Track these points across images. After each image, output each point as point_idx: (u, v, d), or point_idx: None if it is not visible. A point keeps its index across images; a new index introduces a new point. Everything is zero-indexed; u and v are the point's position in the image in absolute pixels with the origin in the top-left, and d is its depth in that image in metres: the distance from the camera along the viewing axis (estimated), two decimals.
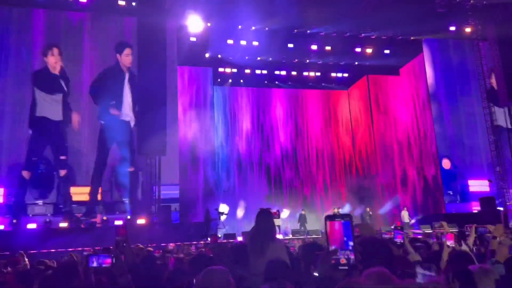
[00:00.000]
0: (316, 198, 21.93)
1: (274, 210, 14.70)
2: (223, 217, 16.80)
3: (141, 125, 15.54)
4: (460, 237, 6.47)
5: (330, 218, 1.46)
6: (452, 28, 19.28)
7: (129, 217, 15.03)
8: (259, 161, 21.63)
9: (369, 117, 22.33)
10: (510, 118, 18.90)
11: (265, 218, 3.97)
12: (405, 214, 17.70)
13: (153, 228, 14.52)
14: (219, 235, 15.67)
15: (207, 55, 19.39)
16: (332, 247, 1.44)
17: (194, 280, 2.60)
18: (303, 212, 18.94)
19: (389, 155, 21.48)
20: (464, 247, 3.95)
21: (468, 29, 19.06)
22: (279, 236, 15.87)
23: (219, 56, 19.75)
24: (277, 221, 16.82)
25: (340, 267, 1.43)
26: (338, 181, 22.74)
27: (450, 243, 3.79)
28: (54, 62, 15.86)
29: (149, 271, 3.47)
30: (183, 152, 18.56)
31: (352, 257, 1.43)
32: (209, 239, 12.76)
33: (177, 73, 17.60)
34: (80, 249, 9.84)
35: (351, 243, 1.43)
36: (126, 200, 15.79)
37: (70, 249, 10.22)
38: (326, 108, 23.58)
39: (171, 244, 10.77)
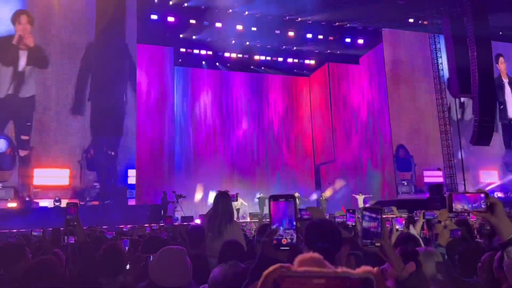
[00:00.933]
0: (275, 182, 22.19)
1: (232, 193, 14.76)
2: (180, 200, 16.67)
3: (98, 105, 15.01)
4: (409, 222, 6.78)
5: (274, 198, 1.47)
6: (411, 20, 19.85)
7: (87, 198, 14.61)
8: (219, 145, 21.55)
9: (328, 104, 22.71)
10: (461, 110, 19.86)
11: (223, 200, 3.98)
12: (360, 199, 18.27)
13: (107, 210, 14.22)
14: (177, 217, 15.61)
15: (168, 34, 18.91)
16: (274, 227, 1.45)
17: (150, 260, 2.58)
18: (261, 195, 19.13)
19: (347, 142, 22.03)
20: (411, 231, 4.14)
21: (425, 22, 19.69)
22: (236, 220, 15.98)
23: (181, 35, 19.31)
24: (237, 205, 16.95)
25: (282, 247, 1.45)
26: (296, 165, 23.09)
27: (399, 227, 3.96)
28: (21, 30, 14.97)
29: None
30: (141, 133, 18.16)
31: (294, 237, 1.44)
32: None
33: (136, 50, 17.05)
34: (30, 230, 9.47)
35: (293, 224, 1.44)
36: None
37: (22, 230, 9.85)
38: (287, 94, 23.75)
39: (127, 226, 10.59)
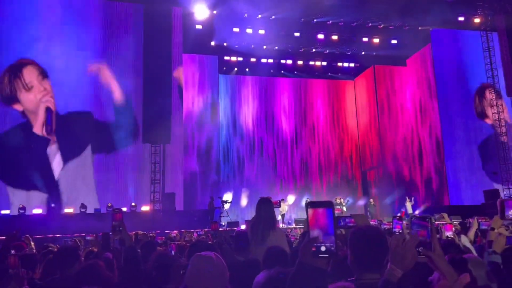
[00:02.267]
0: (321, 187, 21.96)
1: (276, 200, 14.75)
2: (226, 206, 16.90)
3: (147, 113, 15.56)
4: (462, 228, 6.47)
5: (312, 205, 1.46)
6: (461, 19, 19.03)
7: (133, 204, 15.15)
8: (264, 150, 21.64)
9: (375, 108, 22.22)
10: None
11: (265, 207, 3.99)
12: (409, 205, 17.69)
13: (156, 216, 14.66)
14: (223, 223, 15.82)
15: (212, 43, 19.30)
16: (313, 234, 1.44)
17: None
18: (307, 200, 18.93)
19: (394, 146, 21.41)
20: (463, 239, 3.96)
21: (477, 20, 18.81)
22: (282, 225, 15.96)
23: (225, 44, 19.65)
24: (282, 210, 16.92)
25: (321, 255, 1.44)
26: (343, 170, 22.73)
27: (448, 234, 3.80)
28: None
29: (149, 256, 3.51)
30: (188, 140, 18.63)
31: (333, 244, 1.43)
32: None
33: (182, 61, 17.54)
34: (84, 234, 9.95)
35: (332, 231, 1.43)
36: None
37: (75, 235, 10.36)
38: (332, 98, 23.48)
39: (174, 231, 10.86)
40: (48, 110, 15.58)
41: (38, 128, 15.43)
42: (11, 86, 15.36)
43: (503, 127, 18.23)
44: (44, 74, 15.71)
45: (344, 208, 17.98)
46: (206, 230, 10.08)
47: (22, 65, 15.54)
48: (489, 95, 18.82)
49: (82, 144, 15.74)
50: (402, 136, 21.08)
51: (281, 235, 4.04)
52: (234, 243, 3.92)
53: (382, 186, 21.31)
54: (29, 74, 15.58)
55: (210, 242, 5.05)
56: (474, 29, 19.31)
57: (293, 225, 16.37)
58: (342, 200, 18.74)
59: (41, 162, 15.15)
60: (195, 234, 10.80)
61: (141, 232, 6.98)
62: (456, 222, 8.28)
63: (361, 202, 21.43)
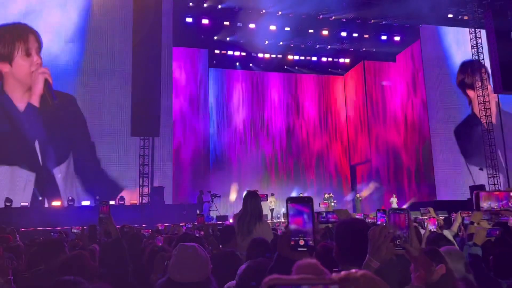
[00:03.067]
0: (311, 181, 22.06)
1: (263, 193, 14.77)
2: (216, 199, 16.92)
3: (135, 106, 15.48)
4: (445, 223, 6.58)
5: (291, 200, 1.49)
6: (450, 16, 19.20)
7: (122, 196, 15.09)
8: (255, 145, 21.66)
9: (364, 103, 22.35)
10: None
11: (252, 200, 4.02)
12: (393, 201, 17.87)
13: (145, 209, 14.63)
14: (212, 217, 15.83)
15: (202, 36, 19.21)
16: (291, 228, 1.47)
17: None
18: (300, 195, 19.04)
19: (383, 141, 21.58)
20: (445, 232, 4.03)
21: (466, 17, 18.99)
22: (270, 220, 16.04)
23: (215, 37, 19.56)
24: (271, 204, 17.00)
25: (299, 248, 1.47)
26: (331, 165, 22.87)
27: (432, 227, 3.87)
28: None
29: (135, 248, 3.53)
30: (177, 134, 18.56)
31: (312, 238, 1.46)
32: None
33: (172, 53, 17.44)
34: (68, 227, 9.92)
35: (311, 225, 1.46)
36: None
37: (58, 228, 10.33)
38: (322, 93, 23.55)
39: (162, 224, 10.85)
40: (47, 82, 15.49)
41: (36, 99, 15.40)
42: (11, 43, 15.36)
43: (489, 123, 18.46)
44: (40, 47, 15.79)
45: (332, 203, 18.13)
46: (194, 223, 10.10)
47: (28, 30, 15.63)
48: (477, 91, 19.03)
49: None
50: (391, 131, 21.24)
51: (268, 227, 4.08)
52: (220, 235, 3.95)
53: (369, 181, 21.48)
54: (33, 42, 15.65)
55: (197, 235, 5.08)
56: (462, 26, 19.49)
57: (282, 219, 16.44)
58: (331, 195, 18.88)
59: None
60: (184, 227, 10.82)
61: (128, 225, 6.97)
62: (441, 217, 8.41)
63: (349, 197, 21.61)
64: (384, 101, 21.84)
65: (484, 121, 18.53)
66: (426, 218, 4.69)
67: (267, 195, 15.81)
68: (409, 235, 1.70)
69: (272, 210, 17.60)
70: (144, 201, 15.42)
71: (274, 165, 21.74)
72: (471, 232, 3.25)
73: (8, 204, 13.66)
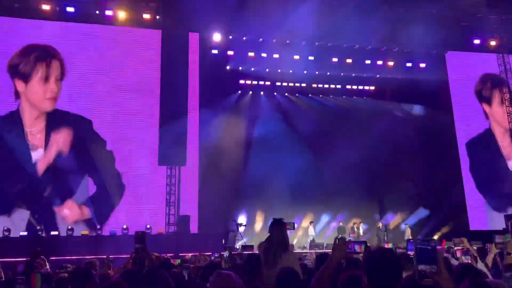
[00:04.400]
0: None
1: (291, 222, 14.54)
2: (241, 228, 16.77)
3: (163, 135, 15.79)
4: (481, 254, 6.31)
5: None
6: (477, 42, 19.03)
7: (148, 226, 15.19)
8: (279, 172, 21.29)
9: None
10: None
11: (278, 229, 3.99)
12: (407, 231, 17.27)
13: (171, 238, 14.66)
14: (237, 247, 15.65)
15: (228, 67, 19.62)
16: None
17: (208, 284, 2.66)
18: (341, 224, 18.58)
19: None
20: (479, 265, 3.87)
21: (493, 42, 18.77)
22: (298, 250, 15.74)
23: (240, 68, 19.94)
24: (311, 233, 16.79)
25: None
26: (359, 193, 22.32)
27: (465, 258, 3.73)
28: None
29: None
30: (203, 163, 18.65)
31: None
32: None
33: (198, 84, 17.84)
34: (105, 256, 10.01)
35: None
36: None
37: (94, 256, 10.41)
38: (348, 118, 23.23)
39: (188, 254, 10.84)
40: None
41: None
42: (33, 63, 15.54)
43: None
44: (61, 76, 16.04)
45: (361, 232, 17.69)
46: (221, 253, 10.04)
47: (55, 56, 15.94)
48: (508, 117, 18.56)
49: None
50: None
51: (294, 257, 4.02)
52: (245, 265, 3.90)
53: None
54: (55, 69, 15.89)
55: (224, 265, 5.05)
56: (489, 51, 19.26)
57: (307, 249, 16.07)
58: (358, 224, 18.35)
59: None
60: (212, 257, 10.76)
61: (156, 254, 7.00)
62: (475, 247, 8.08)
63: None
64: None
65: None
66: (459, 249, 4.53)
67: (294, 223, 15.53)
68: (437, 266, 1.66)
69: (313, 240, 17.41)
70: (170, 230, 15.48)
71: (303, 193, 21.26)
72: (508, 263, 3.11)
73: (39, 233, 13.88)
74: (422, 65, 20.29)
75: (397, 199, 19.89)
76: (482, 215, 18.48)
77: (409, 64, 20.16)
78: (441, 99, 19.75)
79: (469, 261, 3.88)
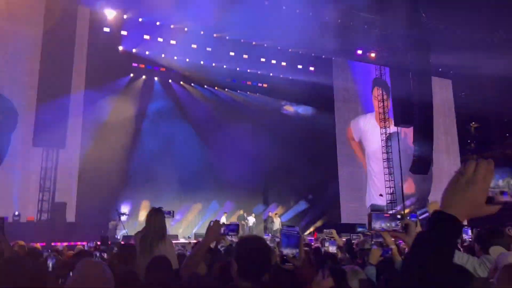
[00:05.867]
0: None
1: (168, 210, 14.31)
2: (123, 218, 16.09)
3: (39, 114, 14.35)
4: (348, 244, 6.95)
5: None
6: (360, 52, 20.87)
7: (17, 212, 13.78)
8: (170, 162, 20.91)
9: None
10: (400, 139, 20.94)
11: (156, 217, 3.90)
12: (276, 220, 18.25)
13: (43, 226, 13.51)
14: (118, 237, 15.01)
15: (120, 48, 18.57)
16: None
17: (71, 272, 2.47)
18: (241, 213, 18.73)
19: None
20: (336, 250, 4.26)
21: (372, 55, 20.78)
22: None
23: (134, 50, 19.01)
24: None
25: None
26: (248, 184, 22.95)
27: (331, 248, 4.07)
28: None
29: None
30: (85, 147, 17.43)
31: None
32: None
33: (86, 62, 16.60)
34: None
35: None
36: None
37: None
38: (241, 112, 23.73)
39: (62, 243, 10.09)
40: None
41: None
42: None
43: (389, 153, 20.15)
44: None
45: (250, 223, 18.15)
46: (97, 242, 9.51)
47: None
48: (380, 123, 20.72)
49: None
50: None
51: (171, 245, 3.97)
52: (120, 253, 3.74)
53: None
54: None
55: (97, 254, 4.78)
56: (369, 62, 21.30)
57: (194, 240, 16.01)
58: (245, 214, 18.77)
59: None
60: (85, 247, 10.13)
61: (21, 243, 6.34)
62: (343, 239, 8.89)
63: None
64: None
65: (384, 151, 20.15)
66: (327, 238, 4.92)
67: (173, 211, 15.22)
68: (299, 251, 1.79)
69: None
70: (42, 218, 14.22)
71: (185, 182, 21.19)
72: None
73: None
74: (311, 68, 21.62)
75: (282, 192, 20.95)
76: (352, 210, 20.35)
77: (300, 66, 21.29)
78: (325, 101, 21.27)
79: (335, 251, 4.22)
